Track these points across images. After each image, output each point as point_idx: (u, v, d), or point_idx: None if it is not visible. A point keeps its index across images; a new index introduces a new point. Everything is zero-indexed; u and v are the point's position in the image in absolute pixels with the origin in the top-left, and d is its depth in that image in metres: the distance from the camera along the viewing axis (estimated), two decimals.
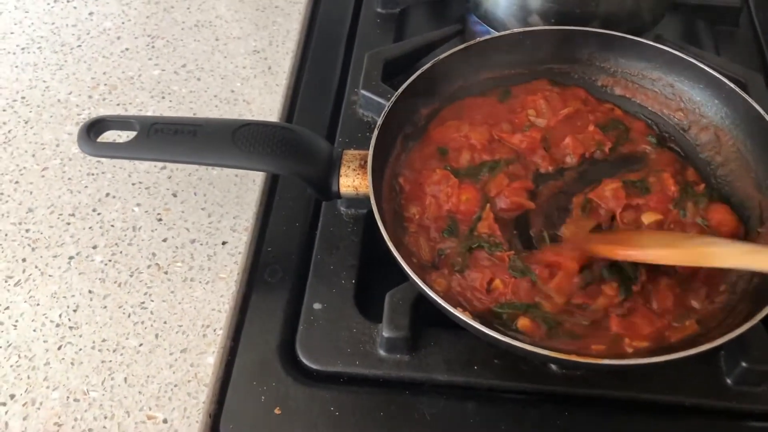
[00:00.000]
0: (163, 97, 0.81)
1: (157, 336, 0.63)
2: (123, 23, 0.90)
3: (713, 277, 0.61)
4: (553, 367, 0.60)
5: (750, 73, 0.79)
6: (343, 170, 0.65)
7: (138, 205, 0.72)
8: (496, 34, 0.74)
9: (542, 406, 0.60)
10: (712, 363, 0.60)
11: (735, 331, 0.53)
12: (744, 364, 0.58)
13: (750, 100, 0.67)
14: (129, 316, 0.64)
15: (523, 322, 0.58)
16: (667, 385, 0.59)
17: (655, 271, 0.61)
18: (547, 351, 0.53)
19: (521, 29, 0.73)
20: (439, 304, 0.56)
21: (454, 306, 0.59)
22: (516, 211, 0.65)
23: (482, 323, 0.56)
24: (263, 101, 0.81)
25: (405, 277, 0.59)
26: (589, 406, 0.60)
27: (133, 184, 0.74)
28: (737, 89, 0.68)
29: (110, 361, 0.61)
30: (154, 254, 0.68)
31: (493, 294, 0.60)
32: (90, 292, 0.66)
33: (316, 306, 0.64)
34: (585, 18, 0.77)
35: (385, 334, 0.60)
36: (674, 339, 0.57)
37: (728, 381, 0.59)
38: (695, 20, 0.90)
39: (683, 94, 0.72)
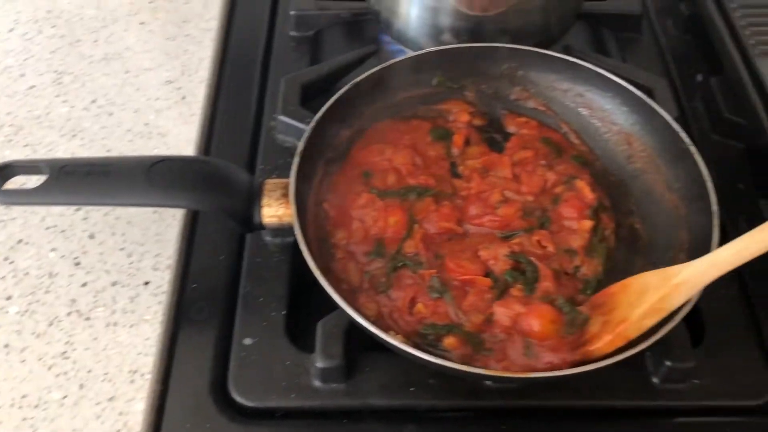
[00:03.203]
0: (74, 135, 0.78)
1: (81, 386, 0.61)
2: (26, 59, 0.86)
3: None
4: (488, 382, 0.60)
5: (655, 78, 0.82)
6: (265, 200, 0.64)
7: (53, 249, 0.69)
8: (411, 54, 0.75)
9: (481, 422, 0.61)
10: (639, 365, 0.62)
11: (658, 333, 0.55)
12: (668, 363, 0.60)
13: (655, 106, 0.69)
14: (50, 368, 0.62)
15: (449, 341, 0.59)
16: (597, 390, 0.60)
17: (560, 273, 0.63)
18: (476, 369, 0.53)
19: (433, 48, 0.74)
20: (368, 330, 0.56)
21: (386, 330, 0.59)
22: (445, 235, 0.65)
23: (412, 345, 0.56)
24: (179, 132, 0.79)
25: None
26: (525, 418, 0.61)
27: (47, 228, 0.71)
28: (643, 96, 0.70)
29: (32, 417, 0.59)
30: (73, 300, 0.66)
31: (416, 316, 0.61)
32: (6, 346, 0.63)
33: (247, 341, 0.63)
34: (495, 34, 0.78)
35: (319, 364, 0.59)
36: None
37: (655, 381, 0.61)
38: (601, 29, 0.93)
39: (593, 103, 0.74)
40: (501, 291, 0.61)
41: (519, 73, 0.76)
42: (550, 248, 0.63)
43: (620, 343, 0.56)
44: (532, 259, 0.62)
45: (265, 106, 0.82)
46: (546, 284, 0.60)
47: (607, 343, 0.56)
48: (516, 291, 0.60)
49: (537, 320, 0.58)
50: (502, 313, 0.59)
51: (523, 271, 0.62)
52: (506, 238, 0.64)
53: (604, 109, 0.74)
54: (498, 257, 0.62)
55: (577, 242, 0.64)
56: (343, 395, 0.60)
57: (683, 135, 0.67)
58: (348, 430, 0.60)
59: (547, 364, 0.56)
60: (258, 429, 0.59)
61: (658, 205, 0.68)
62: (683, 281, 0.55)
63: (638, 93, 0.71)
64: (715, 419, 0.61)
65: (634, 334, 0.56)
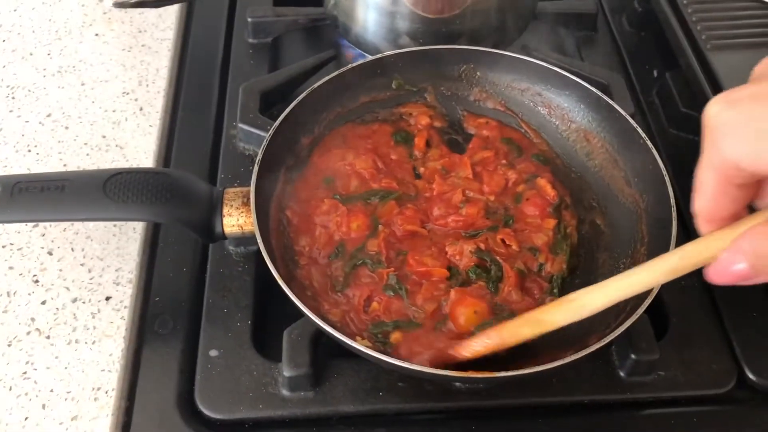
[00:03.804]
0: (29, 151, 0.77)
1: (44, 406, 0.59)
2: None
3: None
4: (457, 383, 0.60)
5: (611, 75, 0.83)
6: (225, 210, 0.63)
7: (11, 268, 0.67)
8: (369, 58, 0.74)
9: (450, 423, 0.60)
10: (606, 358, 0.62)
11: (622, 326, 0.55)
12: (633, 356, 0.60)
13: (611, 102, 0.70)
14: (10, 389, 0.60)
15: (395, 337, 0.59)
16: (565, 385, 0.61)
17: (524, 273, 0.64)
18: (444, 371, 0.53)
19: (392, 52, 0.74)
20: (335, 336, 0.55)
21: (352, 334, 0.59)
22: (409, 237, 0.65)
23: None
24: (137, 144, 0.78)
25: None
26: (494, 417, 0.61)
27: (3, 246, 0.69)
28: (599, 93, 0.71)
29: None
30: (33, 319, 0.64)
31: (371, 315, 0.61)
32: None
33: (213, 353, 0.62)
34: (452, 35, 0.79)
35: (286, 373, 0.59)
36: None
37: (621, 374, 0.61)
38: (557, 28, 0.94)
39: (551, 101, 0.75)
40: (459, 285, 0.61)
41: (477, 74, 0.76)
42: (514, 246, 0.64)
43: (494, 347, 0.55)
44: (497, 258, 0.62)
45: (225, 114, 0.81)
46: (508, 288, 0.61)
47: (485, 343, 0.55)
48: (477, 286, 0.61)
49: (465, 308, 0.58)
50: (453, 299, 0.59)
51: (487, 269, 0.62)
52: (471, 237, 0.65)
53: (562, 107, 0.74)
54: (464, 253, 0.62)
55: (540, 240, 0.65)
56: (311, 403, 0.60)
57: (639, 130, 0.67)
58: None
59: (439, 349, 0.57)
60: None
61: (618, 200, 0.69)
62: (570, 299, 0.53)
63: (594, 90, 0.71)
64: (681, 409, 0.62)
65: (510, 340, 0.54)
